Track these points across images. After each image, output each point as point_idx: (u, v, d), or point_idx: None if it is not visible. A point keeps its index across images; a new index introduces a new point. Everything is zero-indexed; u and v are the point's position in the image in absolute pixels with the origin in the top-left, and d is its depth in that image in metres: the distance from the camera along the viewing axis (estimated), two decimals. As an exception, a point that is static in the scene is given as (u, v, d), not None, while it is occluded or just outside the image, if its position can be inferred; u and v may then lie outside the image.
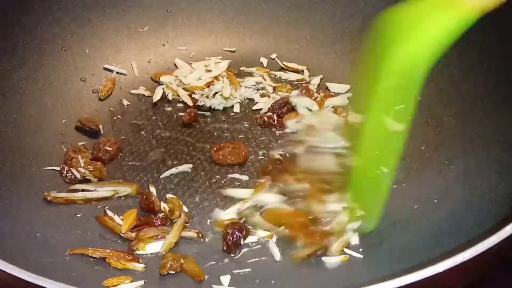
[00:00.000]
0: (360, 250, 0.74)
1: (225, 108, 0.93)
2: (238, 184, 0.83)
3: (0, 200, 0.76)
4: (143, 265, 0.73)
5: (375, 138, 0.69)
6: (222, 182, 0.84)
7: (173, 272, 0.72)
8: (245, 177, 0.84)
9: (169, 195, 0.81)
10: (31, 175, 0.82)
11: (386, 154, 0.69)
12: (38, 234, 0.74)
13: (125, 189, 0.81)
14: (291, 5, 1.02)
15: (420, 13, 0.63)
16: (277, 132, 0.90)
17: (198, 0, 1.02)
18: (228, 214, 0.79)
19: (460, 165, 0.80)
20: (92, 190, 0.81)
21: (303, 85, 0.96)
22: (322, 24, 1.01)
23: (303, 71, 0.98)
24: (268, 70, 0.98)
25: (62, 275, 0.63)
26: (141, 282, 0.70)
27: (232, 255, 0.75)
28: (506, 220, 0.59)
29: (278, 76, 0.98)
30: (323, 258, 0.73)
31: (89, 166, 0.83)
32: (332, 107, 0.92)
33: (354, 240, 0.75)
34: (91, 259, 0.73)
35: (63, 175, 0.83)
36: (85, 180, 0.83)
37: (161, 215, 0.79)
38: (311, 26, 1.01)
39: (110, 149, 0.86)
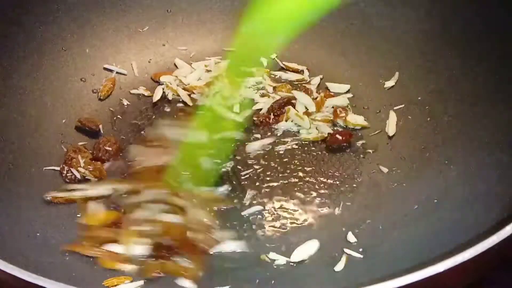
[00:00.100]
0: (360, 250, 0.74)
1: (225, 108, 0.94)
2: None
3: (0, 200, 0.76)
4: (133, 267, 0.72)
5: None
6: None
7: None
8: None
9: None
10: (31, 175, 0.82)
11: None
12: (38, 234, 0.74)
13: (123, 187, 0.81)
14: (291, 5, 1.01)
15: None
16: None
17: (198, 0, 1.02)
18: None
19: (460, 165, 0.80)
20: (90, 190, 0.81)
21: (303, 85, 0.96)
22: (322, 24, 1.00)
23: (303, 71, 0.98)
24: (268, 70, 0.98)
25: (62, 275, 0.63)
26: (141, 282, 0.70)
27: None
28: (506, 220, 0.59)
29: (278, 76, 0.98)
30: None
31: (89, 166, 0.83)
32: (332, 107, 0.92)
33: (350, 238, 0.76)
34: (91, 259, 0.73)
35: (63, 175, 0.83)
36: (85, 180, 0.83)
37: None
38: (311, 26, 1.01)
39: (110, 149, 0.86)
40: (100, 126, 0.89)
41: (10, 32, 0.88)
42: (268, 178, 0.84)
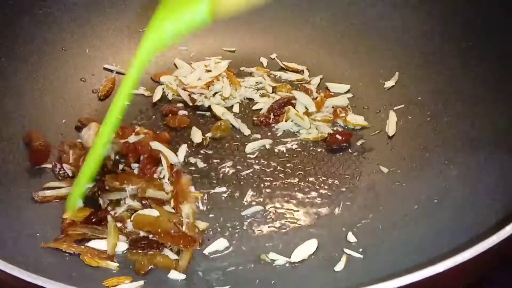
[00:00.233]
0: (360, 250, 0.74)
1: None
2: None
3: (0, 200, 0.76)
4: (117, 264, 0.72)
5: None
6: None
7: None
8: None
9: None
10: (31, 175, 0.82)
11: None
12: (38, 234, 0.74)
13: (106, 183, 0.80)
14: (291, 5, 1.02)
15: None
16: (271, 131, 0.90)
17: (198, 0, 1.02)
18: None
19: (460, 165, 0.80)
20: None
21: (303, 85, 0.96)
22: (322, 24, 1.01)
23: (303, 71, 0.98)
24: (268, 70, 0.98)
25: (62, 275, 0.63)
26: (141, 282, 0.70)
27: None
28: (506, 220, 0.59)
29: (278, 76, 0.98)
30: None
31: (79, 163, 0.82)
32: (332, 107, 0.92)
33: (350, 238, 0.76)
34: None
35: (55, 172, 0.83)
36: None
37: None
38: (311, 26, 1.01)
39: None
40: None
41: (10, 32, 0.88)
42: (268, 178, 0.84)
